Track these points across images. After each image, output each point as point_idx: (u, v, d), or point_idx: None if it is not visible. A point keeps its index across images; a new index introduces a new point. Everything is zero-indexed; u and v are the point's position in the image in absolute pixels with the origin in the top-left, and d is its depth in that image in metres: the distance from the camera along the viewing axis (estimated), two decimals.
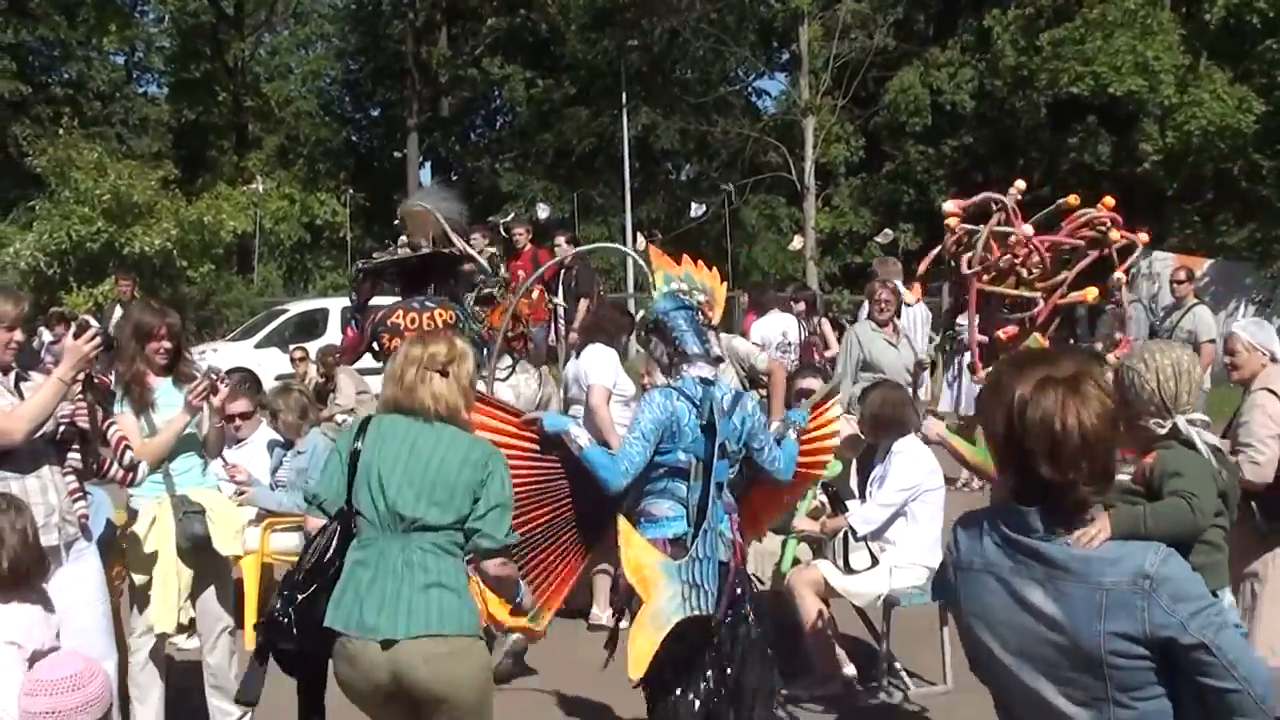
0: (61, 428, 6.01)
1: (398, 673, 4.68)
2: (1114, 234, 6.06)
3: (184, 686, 7.23)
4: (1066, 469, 3.02)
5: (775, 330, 13.10)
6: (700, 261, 6.47)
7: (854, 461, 8.62)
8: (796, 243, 37.15)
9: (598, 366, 9.74)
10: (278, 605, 4.90)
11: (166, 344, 6.88)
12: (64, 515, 5.93)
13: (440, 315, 8.57)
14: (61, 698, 4.09)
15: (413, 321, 8.53)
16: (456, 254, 8.75)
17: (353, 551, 4.83)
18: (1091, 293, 6.13)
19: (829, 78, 38.77)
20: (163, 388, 6.94)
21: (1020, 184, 6.28)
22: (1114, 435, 3.09)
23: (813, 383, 8.63)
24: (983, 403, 3.24)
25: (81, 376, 6.06)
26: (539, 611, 6.17)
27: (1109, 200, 6.11)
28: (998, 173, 42.62)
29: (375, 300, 9.10)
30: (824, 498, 8.19)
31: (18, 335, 5.98)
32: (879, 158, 44.60)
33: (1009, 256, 6.04)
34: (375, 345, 8.79)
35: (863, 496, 8.29)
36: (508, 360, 8.99)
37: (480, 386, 5.88)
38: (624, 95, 42.67)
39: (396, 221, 9.72)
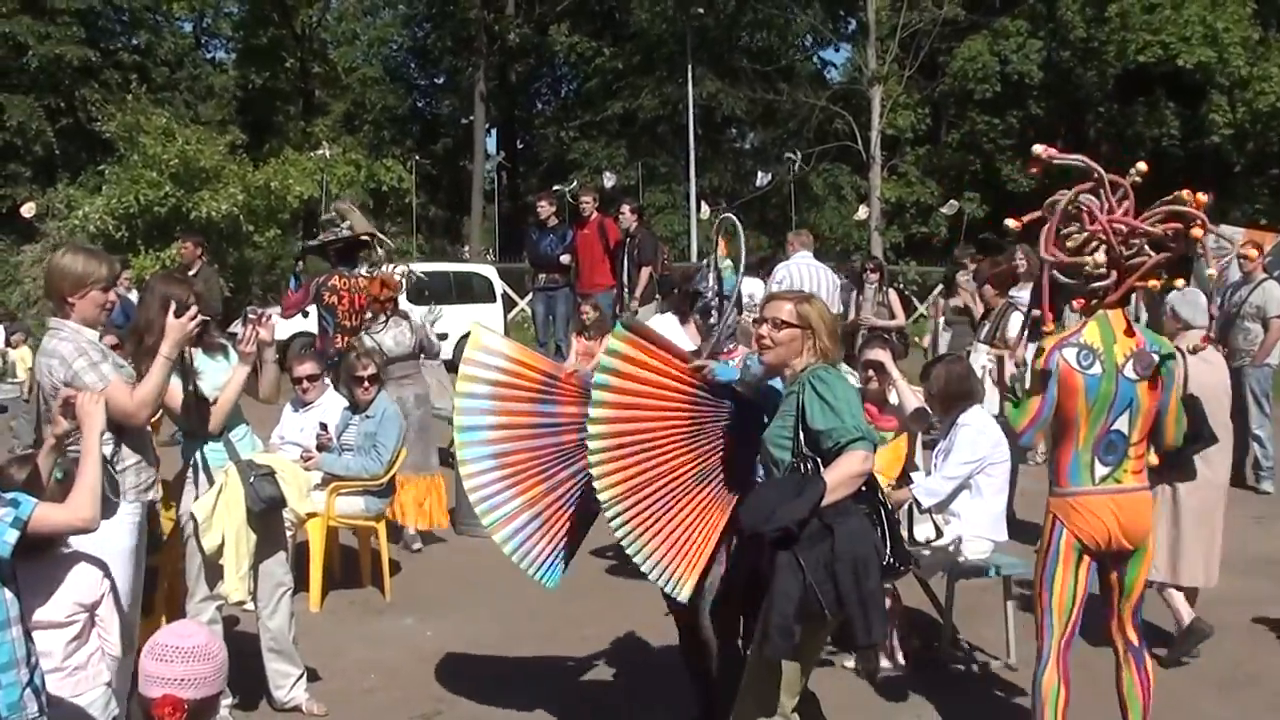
0: None
1: None
2: (1196, 232, 5.89)
3: (243, 650, 7.25)
4: None
5: (744, 292, 13.62)
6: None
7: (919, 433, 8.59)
8: (862, 212, 37.00)
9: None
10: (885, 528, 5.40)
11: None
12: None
13: (363, 280, 11.82)
14: (195, 665, 4.11)
15: (344, 284, 11.82)
16: (369, 238, 12.33)
17: None
18: (1155, 283, 6.07)
19: (896, 46, 38.43)
20: (199, 358, 6.96)
21: (1141, 166, 6.12)
22: None
23: (880, 353, 8.56)
24: None
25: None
26: (681, 580, 6.11)
27: (1202, 198, 5.95)
28: (1064, 144, 42.38)
29: None
30: None
31: (112, 295, 6.06)
32: (945, 127, 44.31)
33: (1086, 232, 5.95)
34: (319, 301, 12.06)
35: (928, 469, 8.25)
36: (383, 318, 11.42)
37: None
38: (689, 63, 42.47)
39: (328, 216, 12.78)
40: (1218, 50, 32.27)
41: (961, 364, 8.61)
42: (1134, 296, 6.01)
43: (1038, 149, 5.98)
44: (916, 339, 19.13)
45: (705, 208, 37.21)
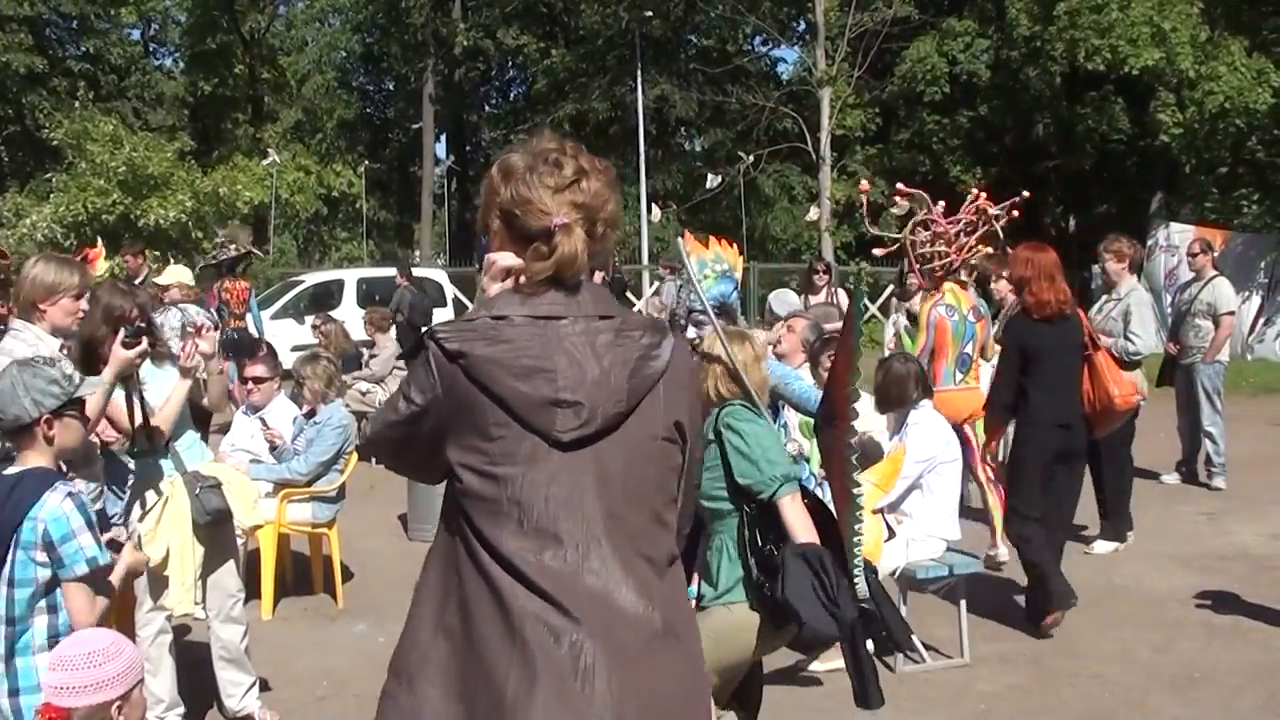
0: None
1: None
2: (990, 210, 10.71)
3: (194, 660, 7.23)
4: None
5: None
6: (723, 239, 6.86)
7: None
8: (812, 213, 37.00)
9: None
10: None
11: (140, 324, 6.81)
12: None
13: (242, 283, 16.86)
14: (77, 673, 4.03)
15: (232, 285, 16.60)
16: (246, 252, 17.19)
17: None
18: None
19: (845, 46, 38.45)
20: (145, 368, 6.82)
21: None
22: None
23: None
24: None
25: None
26: None
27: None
28: (1013, 143, 42.53)
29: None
30: None
31: (83, 304, 6.08)
32: (895, 127, 44.42)
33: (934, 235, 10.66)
34: (217, 298, 16.42)
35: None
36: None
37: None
38: (639, 65, 42.45)
39: (221, 239, 18.32)
40: (1165, 51, 32.28)
41: (907, 364, 8.60)
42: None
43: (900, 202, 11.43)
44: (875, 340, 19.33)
45: (656, 210, 37.17)
